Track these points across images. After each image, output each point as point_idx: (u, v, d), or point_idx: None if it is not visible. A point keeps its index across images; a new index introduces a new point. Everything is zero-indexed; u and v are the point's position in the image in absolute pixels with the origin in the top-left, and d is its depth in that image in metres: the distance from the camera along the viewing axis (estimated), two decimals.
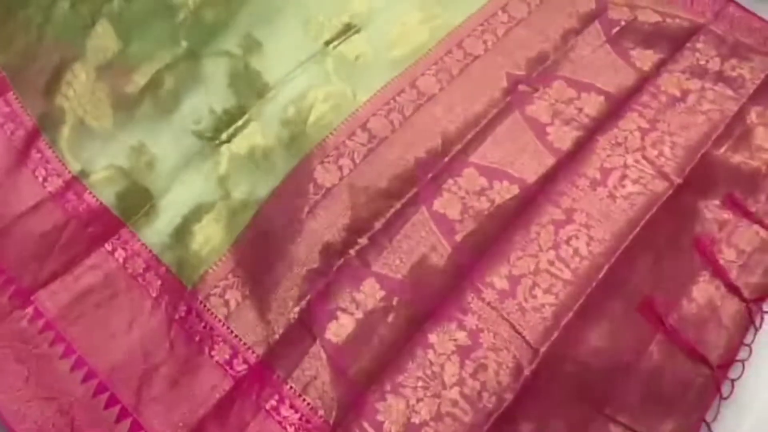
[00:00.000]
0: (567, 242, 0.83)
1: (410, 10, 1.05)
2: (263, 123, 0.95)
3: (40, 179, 0.92)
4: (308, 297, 0.82)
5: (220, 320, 0.82)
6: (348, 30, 1.02)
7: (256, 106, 0.96)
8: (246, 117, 0.95)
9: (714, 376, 0.75)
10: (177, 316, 0.82)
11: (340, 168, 0.91)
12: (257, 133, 0.94)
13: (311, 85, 0.97)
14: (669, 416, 0.73)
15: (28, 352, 0.79)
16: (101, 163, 0.93)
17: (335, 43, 1.01)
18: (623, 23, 1.05)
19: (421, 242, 0.85)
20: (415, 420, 0.73)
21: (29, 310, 0.82)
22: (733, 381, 0.75)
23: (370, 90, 0.97)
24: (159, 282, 0.84)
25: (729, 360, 0.76)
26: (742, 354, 0.77)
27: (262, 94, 0.96)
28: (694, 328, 0.78)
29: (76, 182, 0.92)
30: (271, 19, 1.02)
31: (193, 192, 0.91)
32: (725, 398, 0.74)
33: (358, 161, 0.92)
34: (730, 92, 0.96)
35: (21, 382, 0.77)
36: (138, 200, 0.90)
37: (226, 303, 0.83)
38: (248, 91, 0.96)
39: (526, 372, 0.75)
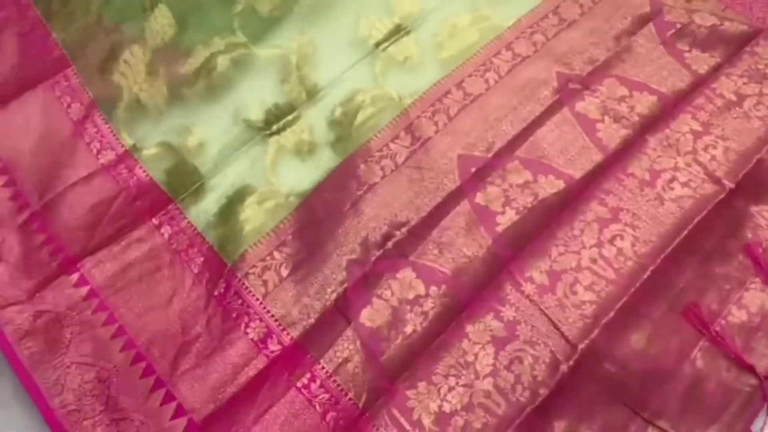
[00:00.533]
0: (611, 241, 0.81)
1: (460, 11, 1.05)
2: (311, 122, 0.96)
3: (95, 151, 0.95)
4: (346, 285, 0.83)
5: (257, 299, 0.82)
6: (398, 31, 1.03)
7: (306, 105, 0.97)
8: (296, 113, 0.97)
9: (762, 386, 0.72)
10: (216, 293, 0.83)
11: (383, 168, 0.92)
12: (305, 131, 0.96)
13: (359, 89, 0.98)
14: (711, 424, 0.71)
15: (72, 318, 0.81)
16: (153, 140, 0.96)
17: (385, 44, 1.02)
18: (679, 26, 1.02)
19: (461, 233, 0.84)
20: (446, 408, 0.72)
21: (75, 276, 0.84)
22: None
23: (416, 92, 0.98)
24: (201, 259, 0.86)
25: None
26: None
27: (312, 95, 0.98)
28: (743, 335, 0.76)
29: (128, 156, 0.94)
30: (323, 17, 1.03)
31: (239, 175, 0.93)
32: None
33: (400, 162, 0.92)
34: None
35: (63, 346, 0.79)
36: (187, 178, 0.92)
37: (265, 283, 0.83)
38: (299, 90, 0.98)
39: (563, 368, 0.73)
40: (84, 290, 0.83)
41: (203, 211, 0.90)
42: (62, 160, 0.94)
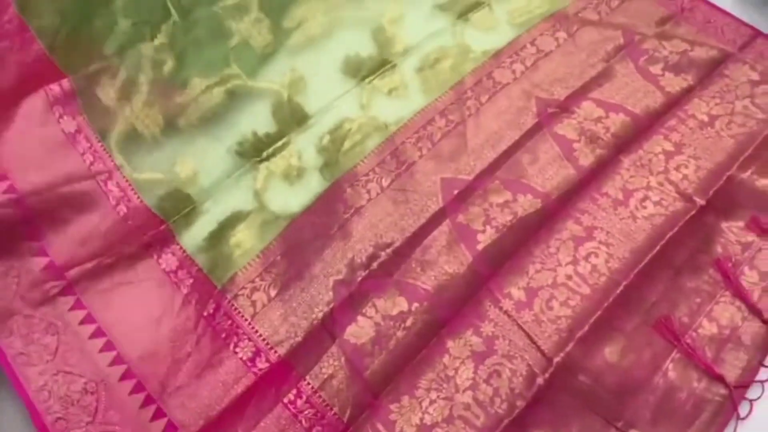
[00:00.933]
0: (586, 258, 0.84)
1: (442, 46, 1.10)
2: (300, 148, 1.00)
3: (87, 163, 0.95)
4: (332, 305, 0.85)
5: (246, 319, 0.85)
6: (384, 65, 1.07)
7: (295, 132, 1.01)
8: (285, 140, 1.00)
9: (731, 395, 0.75)
10: (205, 313, 0.85)
11: (369, 192, 0.95)
12: (294, 156, 0.99)
13: (346, 117, 1.02)
14: None
15: (57, 326, 0.82)
16: (147, 167, 0.98)
17: (371, 78, 1.06)
18: (651, 52, 1.07)
19: (443, 251, 0.88)
20: (427, 421, 0.74)
21: (61, 282, 0.84)
22: (751, 401, 0.75)
23: (401, 120, 1.02)
24: (191, 280, 0.88)
25: (748, 380, 0.76)
26: (762, 375, 0.76)
27: (302, 123, 1.02)
28: (713, 347, 0.78)
29: (118, 173, 0.95)
30: (312, 53, 1.08)
31: (230, 201, 0.95)
32: (743, 418, 0.74)
33: (386, 185, 0.96)
34: (761, 115, 0.96)
35: (49, 354, 0.80)
36: (179, 204, 0.94)
37: (253, 304, 0.86)
38: (289, 120, 1.02)
39: (539, 381, 0.75)
40: (71, 300, 0.84)
41: (193, 235, 0.92)
42: (51, 168, 0.92)
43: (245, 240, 0.92)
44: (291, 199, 0.96)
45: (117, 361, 0.81)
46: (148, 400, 0.79)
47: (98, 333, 0.83)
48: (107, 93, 1.02)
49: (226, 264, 0.90)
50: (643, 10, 1.15)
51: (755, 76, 1.01)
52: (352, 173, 0.97)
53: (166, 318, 0.85)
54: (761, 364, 0.77)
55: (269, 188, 0.97)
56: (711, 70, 1.03)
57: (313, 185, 0.97)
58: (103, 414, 0.77)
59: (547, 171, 0.94)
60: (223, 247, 0.91)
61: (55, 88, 0.98)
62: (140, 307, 0.86)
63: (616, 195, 0.89)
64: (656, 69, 1.05)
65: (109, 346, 0.82)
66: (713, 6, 1.14)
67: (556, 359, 0.76)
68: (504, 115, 1.02)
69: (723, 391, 0.75)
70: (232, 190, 0.96)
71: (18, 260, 0.86)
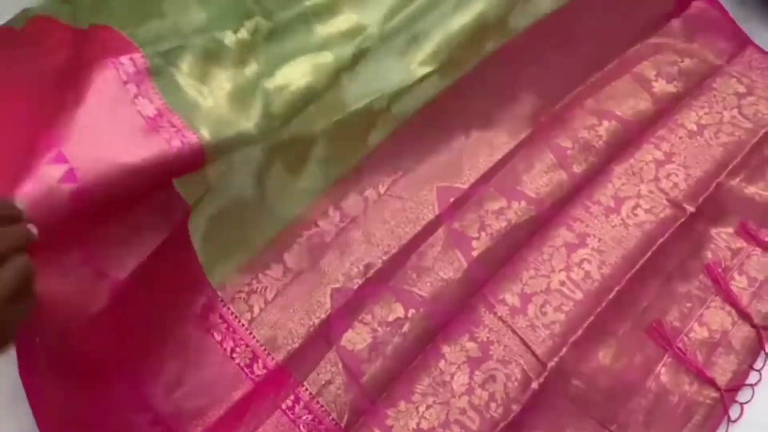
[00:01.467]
0: (579, 265, 0.86)
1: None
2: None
3: (175, 149, 0.69)
4: (329, 312, 0.86)
5: (243, 324, 0.85)
6: None
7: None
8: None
9: (722, 398, 0.76)
10: (201, 314, 0.85)
11: (366, 199, 0.96)
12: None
13: None
14: None
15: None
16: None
17: None
18: (643, 60, 1.09)
19: (438, 257, 0.89)
20: (424, 426, 0.75)
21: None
22: (742, 404, 0.76)
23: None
24: (191, 275, 0.84)
25: (738, 384, 0.77)
26: (752, 378, 0.78)
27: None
28: (704, 351, 0.80)
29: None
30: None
31: (232, 197, 0.86)
32: (734, 421, 0.75)
33: (382, 192, 0.97)
34: (748, 125, 0.98)
35: None
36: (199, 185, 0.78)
37: (250, 308, 0.86)
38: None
39: (534, 385, 0.77)
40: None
41: (197, 228, 0.84)
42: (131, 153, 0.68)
43: (243, 242, 0.91)
44: (285, 203, 0.96)
45: (108, 358, 0.77)
46: (144, 408, 0.79)
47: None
48: (185, 78, 0.77)
49: (222, 265, 0.89)
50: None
51: (742, 89, 1.03)
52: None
53: (166, 320, 0.83)
54: (751, 367, 0.79)
55: (269, 194, 0.97)
56: (699, 82, 1.05)
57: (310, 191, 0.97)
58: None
59: (542, 178, 0.96)
60: (221, 247, 0.90)
61: (126, 62, 0.72)
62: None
63: (607, 203, 0.91)
64: (650, 75, 1.07)
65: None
66: (713, 4, 1.15)
67: (551, 364, 0.78)
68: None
69: (714, 394, 0.77)
70: (236, 189, 0.86)
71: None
